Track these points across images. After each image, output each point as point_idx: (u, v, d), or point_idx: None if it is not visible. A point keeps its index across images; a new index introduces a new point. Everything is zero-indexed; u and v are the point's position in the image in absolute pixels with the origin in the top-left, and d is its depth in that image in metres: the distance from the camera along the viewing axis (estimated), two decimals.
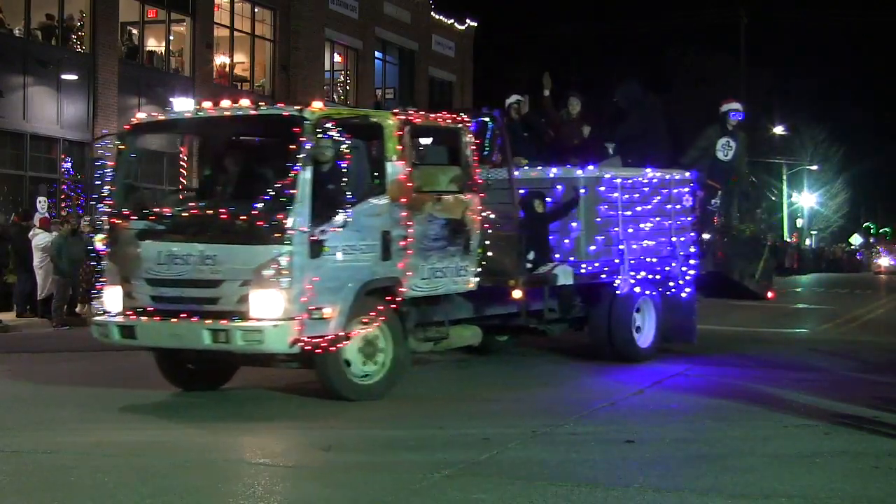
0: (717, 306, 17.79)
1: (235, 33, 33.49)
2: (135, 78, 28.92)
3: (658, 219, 14.45)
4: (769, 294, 16.69)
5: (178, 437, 9.41)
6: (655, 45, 60.90)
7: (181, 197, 13.27)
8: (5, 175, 25.60)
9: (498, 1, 63.09)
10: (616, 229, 13.72)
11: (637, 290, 13.91)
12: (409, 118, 11.48)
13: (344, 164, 10.28)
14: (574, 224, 13.40)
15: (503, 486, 7.40)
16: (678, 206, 14.83)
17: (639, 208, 14.14)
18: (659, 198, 14.49)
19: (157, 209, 11.09)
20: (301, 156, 10.20)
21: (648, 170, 14.39)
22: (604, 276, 13.64)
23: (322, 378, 10.87)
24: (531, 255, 12.85)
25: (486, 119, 13.59)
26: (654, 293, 14.38)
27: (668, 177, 14.73)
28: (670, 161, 15.19)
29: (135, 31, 30.16)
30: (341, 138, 10.31)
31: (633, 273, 13.83)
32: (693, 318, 15.09)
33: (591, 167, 13.73)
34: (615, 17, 75.61)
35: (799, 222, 75.73)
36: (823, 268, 68.05)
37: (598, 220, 13.56)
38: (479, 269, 11.97)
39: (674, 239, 14.68)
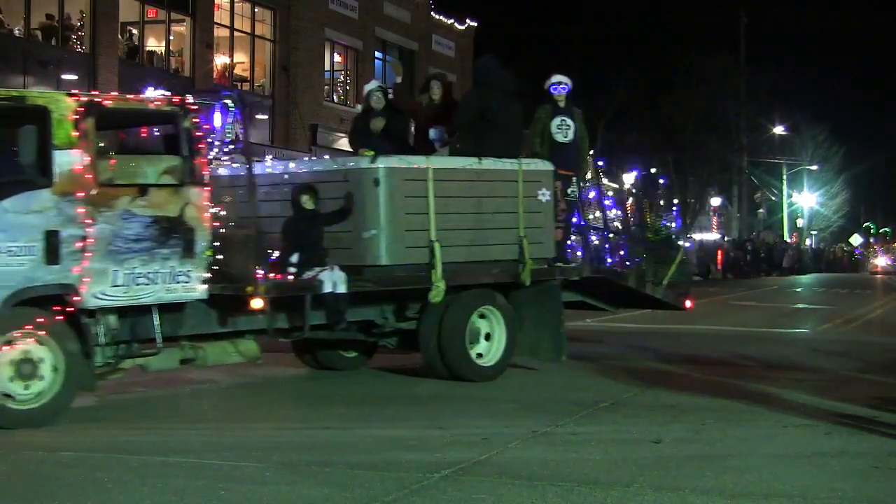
0: (716, 306, 17.73)
1: (235, 33, 33.54)
2: (135, 78, 28.90)
3: (495, 215, 12.42)
4: (687, 303, 14.85)
5: (176, 436, 9.41)
6: (655, 45, 60.94)
7: None
8: None
9: (498, 1, 63.21)
10: (425, 228, 11.77)
11: (444, 297, 11.81)
12: (95, 100, 9.96)
13: None
14: (364, 222, 11.53)
15: (503, 486, 7.39)
16: (528, 201, 12.66)
17: (462, 203, 12.18)
18: (497, 192, 12.45)
19: None
20: None
21: (479, 160, 12.28)
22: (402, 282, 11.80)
23: None
24: (295, 259, 11.36)
25: (228, 102, 11.40)
26: (499, 301, 12.54)
27: (510, 167, 12.52)
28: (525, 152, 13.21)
29: (135, 31, 30.22)
30: None
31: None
32: (560, 332, 13.04)
33: (383, 156, 11.73)
34: (615, 17, 75.90)
35: (799, 222, 75.92)
36: (823, 268, 68.14)
37: (399, 216, 11.62)
38: (209, 275, 10.42)
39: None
